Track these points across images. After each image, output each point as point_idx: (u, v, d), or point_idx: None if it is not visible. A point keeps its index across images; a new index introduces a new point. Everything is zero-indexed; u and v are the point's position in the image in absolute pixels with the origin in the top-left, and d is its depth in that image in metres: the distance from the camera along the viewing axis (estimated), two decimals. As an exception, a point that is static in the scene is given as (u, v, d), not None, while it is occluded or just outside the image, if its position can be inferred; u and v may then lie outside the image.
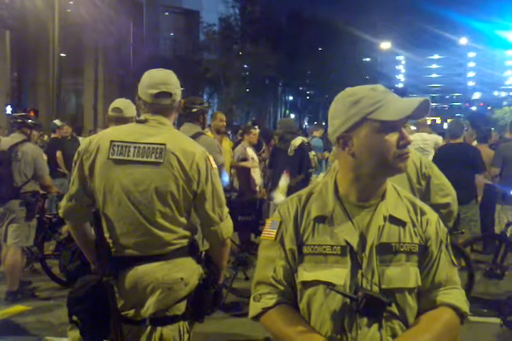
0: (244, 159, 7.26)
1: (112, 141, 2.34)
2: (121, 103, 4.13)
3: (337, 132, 1.57)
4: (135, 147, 2.32)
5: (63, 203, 2.43)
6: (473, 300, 4.70)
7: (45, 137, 12.79)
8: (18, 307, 5.08)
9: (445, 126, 36.23)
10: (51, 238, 6.06)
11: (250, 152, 7.44)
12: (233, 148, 7.71)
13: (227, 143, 6.75)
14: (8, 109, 18.34)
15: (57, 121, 9.89)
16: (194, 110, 4.52)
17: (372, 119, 1.51)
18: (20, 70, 26.60)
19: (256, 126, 8.31)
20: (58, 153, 8.89)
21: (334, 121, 1.59)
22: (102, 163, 2.33)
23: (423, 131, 8.27)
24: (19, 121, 5.45)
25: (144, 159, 2.31)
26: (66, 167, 8.71)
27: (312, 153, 8.10)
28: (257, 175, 7.47)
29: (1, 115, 18.77)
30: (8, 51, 18.82)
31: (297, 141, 6.80)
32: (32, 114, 7.17)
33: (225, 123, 6.62)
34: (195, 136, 4.16)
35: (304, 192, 1.70)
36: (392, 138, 1.51)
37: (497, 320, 4.58)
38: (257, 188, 7.48)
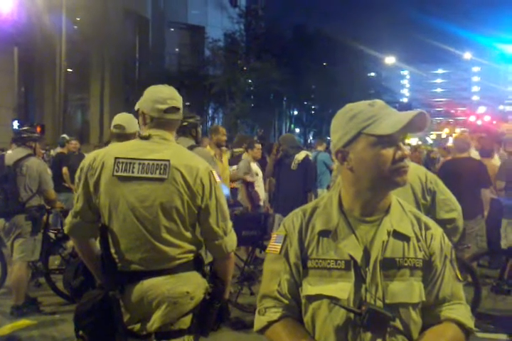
0: (248, 174, 7.27)
1: (116, 158, 2.35)
2: (123, 119, 4.18)
3: (336, 147, 1.59)
4: (139, 163, 2.34)
5: (68, 220, 2.44)
6: (480, 316, 4.65)
7: (51, 152, 12.86)
8: (24, 322, 5.06)
9: (450, 140, 36.12)
10: (56, 253, 6.07)
11: (254, 167, 7.45)
12: (234, 162, 7.72)
13: (225, 157, 6.77)
14: (15, 124, 18.47)
15: (65, 136, 9.95)
16: (185, 124, 4.49)
17: (367, 134, 1.52)
18: (27, 86, 26.87)
19: (258, 141, 8.32)
20: (64, 169, 8.91)
21: (333, 136, 1.61)
22: (107, 180, 2.34)
23: None
24: (24, 136, 5.45)
25: (149, 175, 2.32)
26: (72, 182, 8.73)
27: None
28: (261, 189, 7.47)
29: (9, 130, 18.91)
30: (16, 67, 19.02)
31: (301, 155, 6.78)
32: (38, 129, 7.18)
33: (226, 137, 6.68)
34: (189, 149, 4.17)
35: (308, 206, 1.71)
36: (389, 152, 1.52)
37: (504, 337, 4.53)
38: (261, 203, 7.49)
